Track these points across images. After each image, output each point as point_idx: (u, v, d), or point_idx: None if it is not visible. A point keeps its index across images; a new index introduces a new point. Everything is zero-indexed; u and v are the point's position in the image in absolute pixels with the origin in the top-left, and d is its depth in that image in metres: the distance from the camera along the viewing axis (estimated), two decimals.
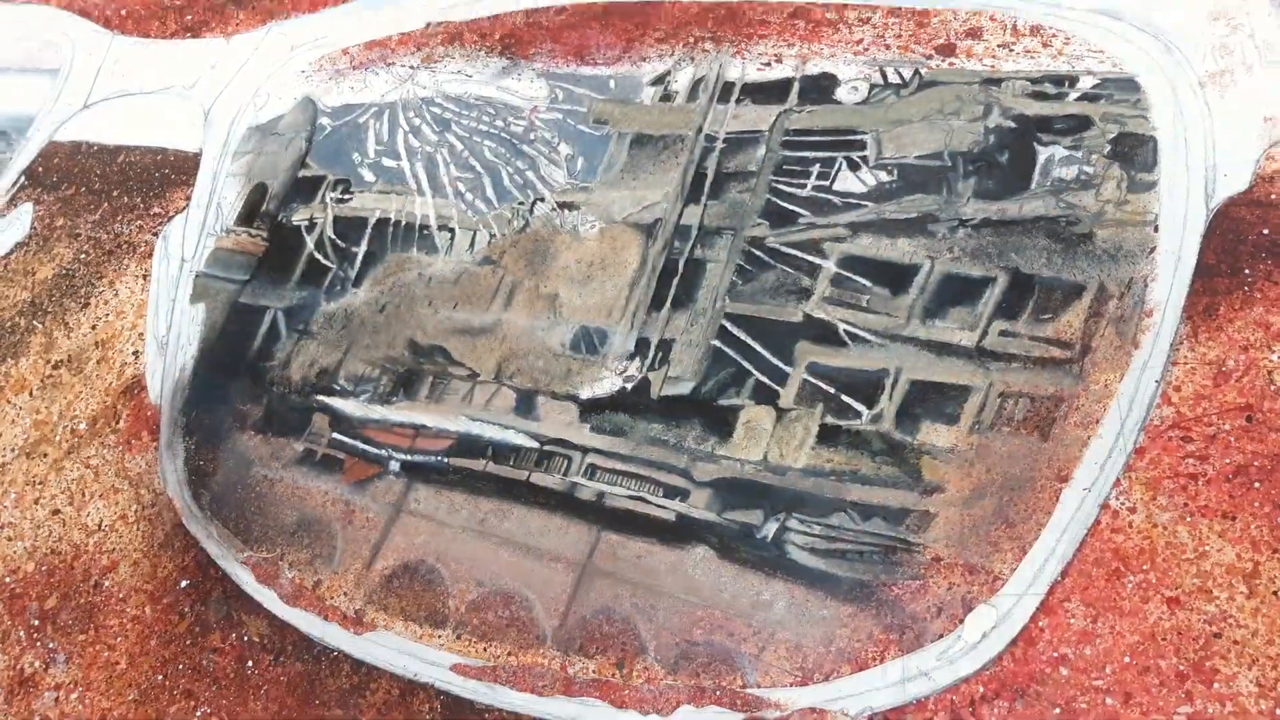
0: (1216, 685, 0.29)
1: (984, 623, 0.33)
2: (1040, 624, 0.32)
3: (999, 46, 0.42)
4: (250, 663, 0.42)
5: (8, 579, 0.47)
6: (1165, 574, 0.32)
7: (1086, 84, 0.40)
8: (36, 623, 0.45)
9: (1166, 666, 0.30)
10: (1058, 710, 0.31)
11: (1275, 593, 0.30)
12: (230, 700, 0.41)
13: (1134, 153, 0.38)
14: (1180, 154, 0.37)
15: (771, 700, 0.33)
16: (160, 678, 0.42)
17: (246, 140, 0.56)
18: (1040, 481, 0.34)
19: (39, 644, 0.45)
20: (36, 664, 0.45)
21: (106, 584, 0.45)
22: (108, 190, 0.58)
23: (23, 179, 0.60)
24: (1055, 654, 0.31)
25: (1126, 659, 0.31)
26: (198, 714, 0.41)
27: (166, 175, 0.57)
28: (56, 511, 0.48)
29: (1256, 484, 0.32)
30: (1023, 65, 0.41)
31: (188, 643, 0.42)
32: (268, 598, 0.42)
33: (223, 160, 0.56)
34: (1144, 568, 0.32)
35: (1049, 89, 0.40)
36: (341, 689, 0.40)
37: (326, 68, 0.56)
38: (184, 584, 0.44)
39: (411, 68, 0.54)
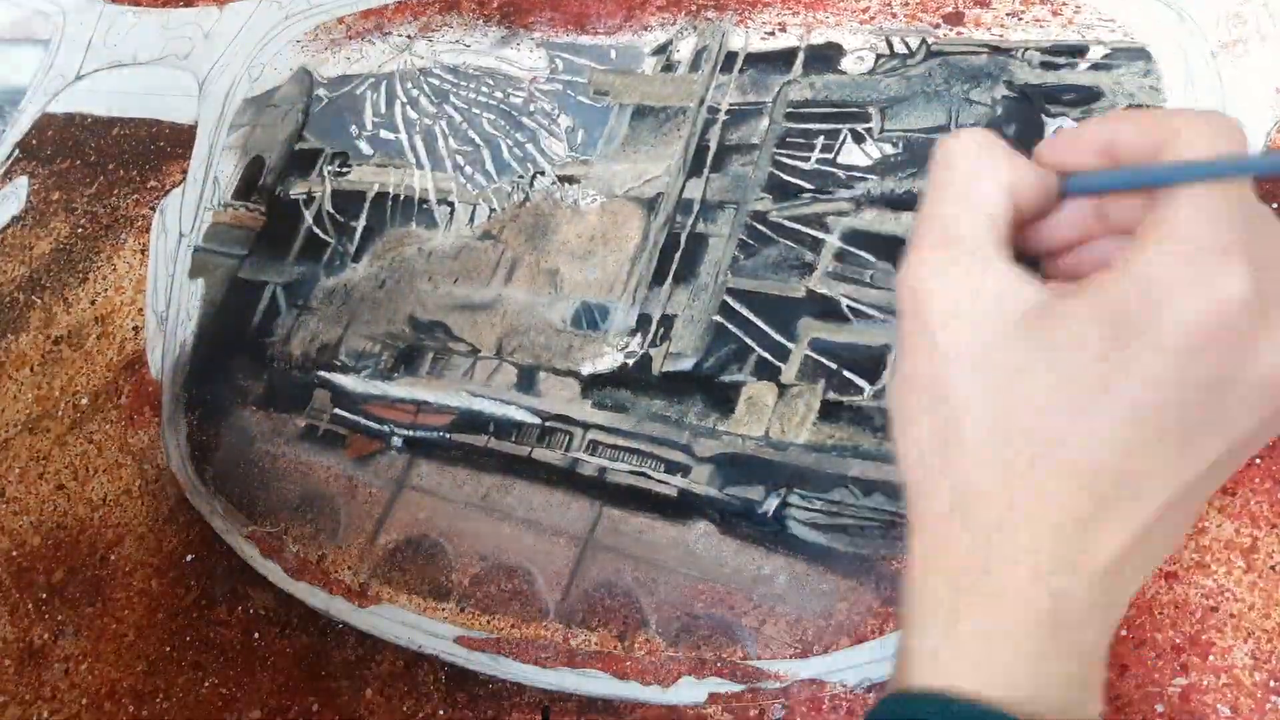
0: (1212, 658, 0.30)
1: None
2: None
3: (1008, 15, 0.41)
4: (256, 635, 0.42)
5: (14, 553, 0.48)
6: None
7: (1097, 54, 0.39)
8: (44, 596, 0.46)
9: (1163, 639, 0.31)
10: None
11: (1273, 567, 0.30)
12: (237, 671, 0.42)
13: None
14: None
15: (771, 672, 0.34)
16: (168, 649, 0.43)
17: (242, 112, 0.55)
18: None
19: (47, 617, 0.46)
20: (45, 636, 0.45)
21: (113, 558, 0.46)
22: (103, 163, 0.57)
23: (17, 152, 0.59)
24: None
25: (1123, 632, 0.31)
26: (205, 685, 0.42)
27: (162, 148, 0.56)
28: (61, 486, 0.48)
29: (1257, 460, 0.32)
30: (1031, 34, 0.41)
31: (194, 615, 0.43)
32: (272, 571, 0.43)
33: (218, 132, 0.56)
34: None
35: (1058, 59, 0.39)
36: (347, 661, 0.41)
37: (322, 37, 0.55)
38: (189, 558, 0.44)
39: (408, 37, 0.53)
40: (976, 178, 0.22)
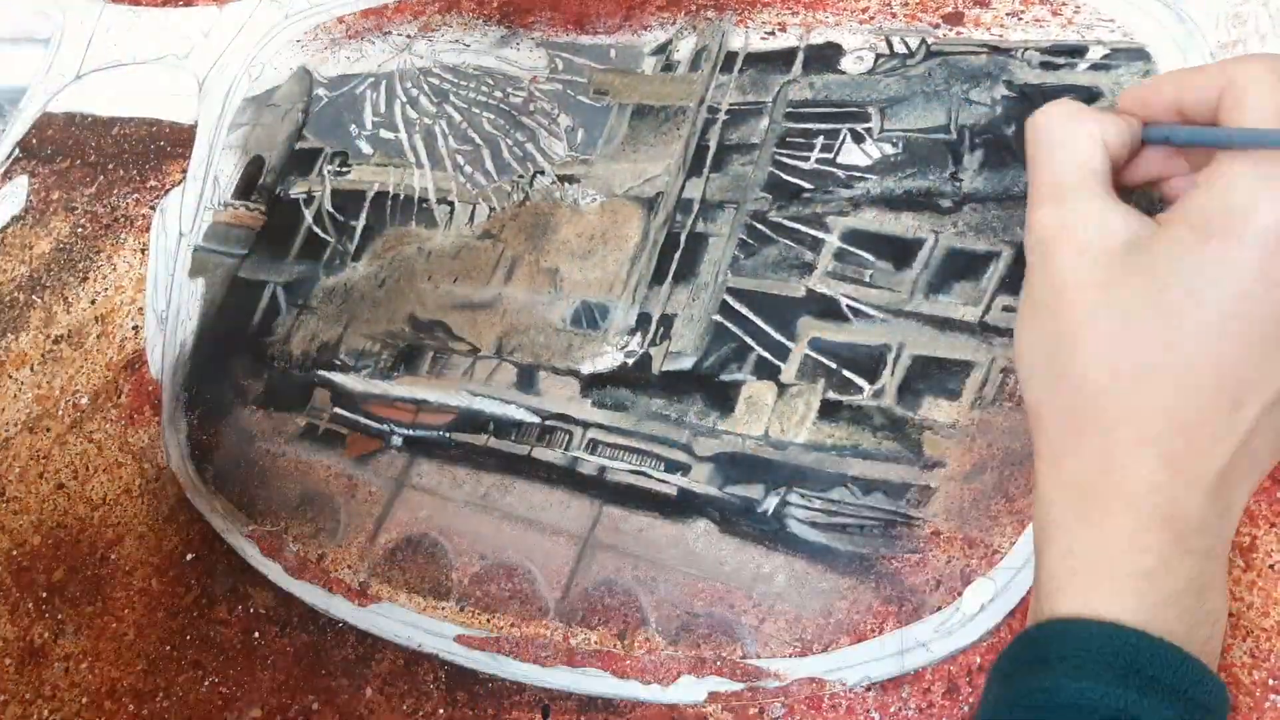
0: None
1: (982, 595, 0.33)
2: None
3: (1007, 15, 0.41)
4: (257, 634, 0.42)
5: (14, 552, 0.48)
6: None
7: (1096, 54, 0.39)
8: (44, 595, 0.46)
9: None
10: None
11: (1271, 566, 0.30)
12: (237, 670, 0.42)
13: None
14: None
15: (771, 670, 0.34)
16: (168, 648, 0.43)
17: (242, 112, 0.55)
18: None
19: (47, 616, 0.46)
20: (45, 635, 0.45)
21: (113, 557, 0.46)
22: (103, 163, 0.57)
23: (17, 151, 0.59)
24: None
25: None
26: (206, 684, 0.42)
27: (162, 147, 0.56)
28: (61, 485, 0.48)
29: None
30: (1031, 35, 0.41)
31: (194, 615, 0.43)
32: (273, 571, 0.43)
33: (218, 132, 0.56)
34: None
35: (1058, 59, 0.40)
36: (347, 659, 0.41)
37: (322, 37, 0.55)
38: (189, 557, 0.44)
39: (408, 37, 0.53)
40: (1074, 136, 0.25)
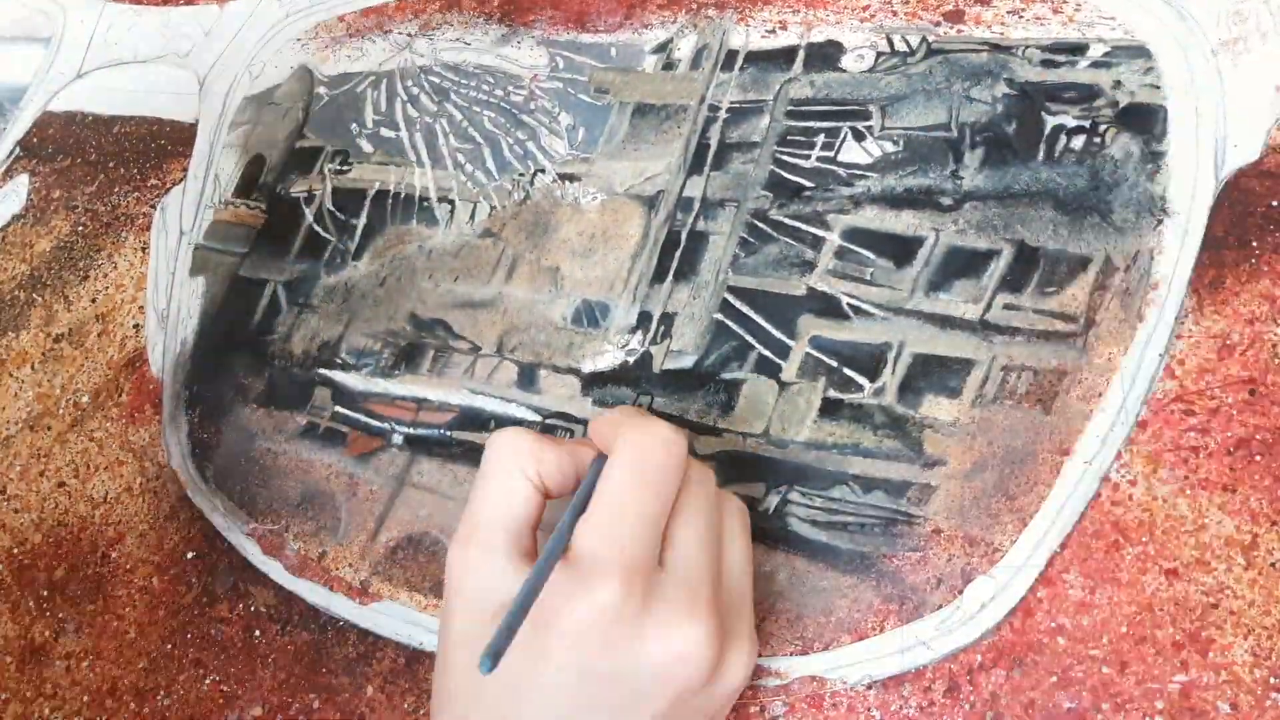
0: (1212, 655, 0.30)
1: (983, 593, 0.33)
2: (1039, 595, 0.32)
3: (1008, 13, 0.41)
4: (258, 632, 0.42)
5: (15, 550, 0.48)
6: (1164, 546, 0.32)
7: (1097, 51, 0.39)
8: (45, 593, 0.46)
9: (1163, 636, 0.31)
10: (1054, 679, 0.31)
11: (1273, 564, 0.30)
12: (238, 669, 0.42)
13: (1144, 122, 0.37)
14: (1190, 124, 0.37)
15: (772, 669, 0.34)
16: (169, 647, 0.43)
17: (243, 110, 0.55)
18: (1041, 455, 0.34)
19: (48, 614, 0.46)
20: (46, 634, 0.45)
21: (114, 555, 0.46)
22: (104, 161, 0.57)
23: (18, 150, 0.59)
24: (1053, 624, 0.32)
25: (1124, 629, 0.31)
26: (206, 682, 0.42)
27: (163, 146, 0.56)
28: (62, 484, 0.49)
29: (1258, 457, 0.32)
30: (1032, 32, 0.41)
31: (195, 613, 0.43)
32: (274, 569, 0.43)
33: (219, 130, 0.56)
34: (1143, 540, 0.32)
35: (1059, 57, 0.39)
36: (348, 658, 0.41)
37: (322, 35, 0.55)
38: (190, 555, 0.44)
39: (409, 35, 0.53)
40: (509, 476, 0.28)
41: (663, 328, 0.41)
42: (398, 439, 0.44)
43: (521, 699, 0.24)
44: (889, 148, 0.40)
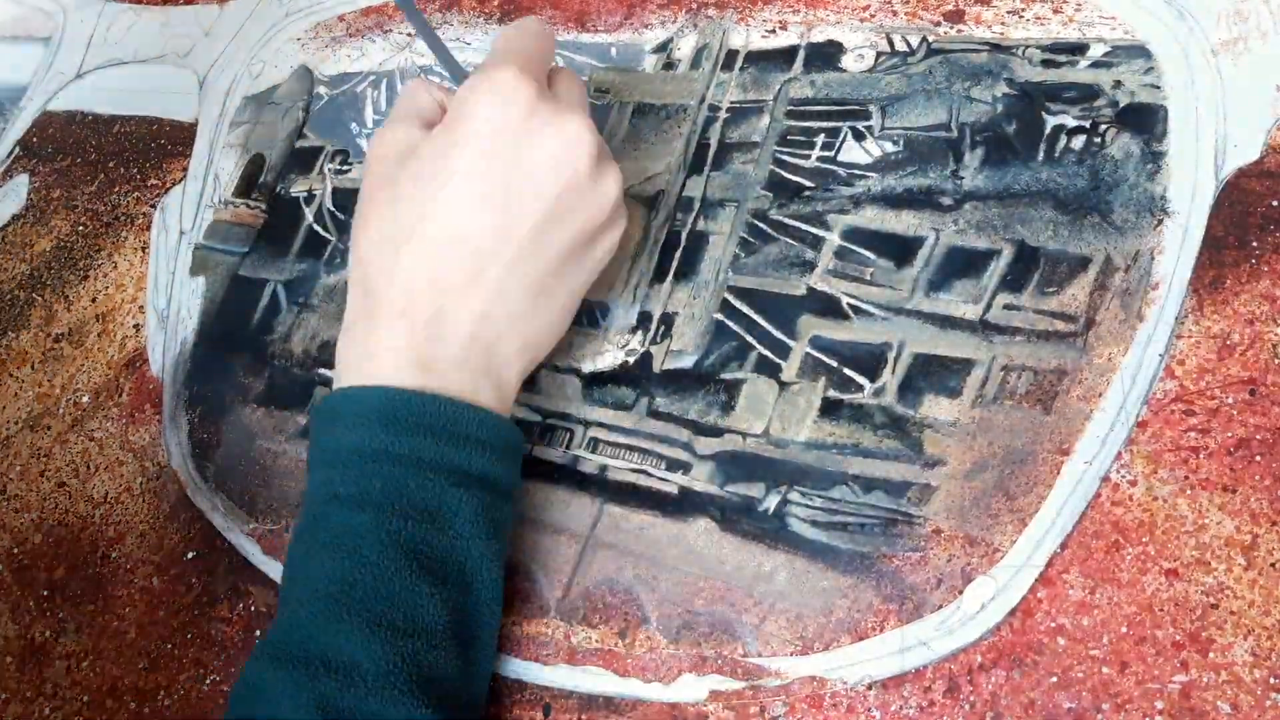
0: (1212, 655, 0.30)
1: (983, 594, 0.33)
2: (1039, 595, 0.32)
3: (1008, 13, 0.41)
4: (258, 632, 0.42)
5: (15, 550, 0.48)
6: (1164, 546, 0.32)
7: (1097, 51, 0.39)
8: (45, 593, 0.46)
9: (1163, 636, 0.31)
10: (1054, 679, 0.31)
11: (1273, 564, 0.30)
12: (239, 669, 0.42)
13: (1144, 122, 0.37)
14: (1191, 124, 0.37)
15: (772, 669, 0.34)
16: (169, 647, 0.43)
17: (243, 110, 0.55)
18: (1042, 455, 0.34)
19: (48, 614, 0.46)
20: (46, 634, 0.45)
21: (114, 555, 0.46)
22: (103, 161, 0.57)
23: (17, 149, 0.59)
24: (1053, 624, 0.32)
25: (1123, 629, 0.31)
26: (207, 682, 0.42)
27: (162, 145, 0.56)
28: (62, 484, 0.49)
29: (1258, 457, 0.32)
30: (1032, 32, 0.41)
31: (195, 613, 0.43)
32: (274, 569, 0.43)
33: (219, 130, 0.56)
34: (1143, 540, 0.32)
35: (1059, 57, 0.39)
36: None
37: (322, 35, 0.55)
38: (190, 555, 0.44)
39: (409, 34, 0.53)
40: (417, 89, 0.34)
41: (663, 328, 0.41)
42: None
43: (437, 185, 0.29)
44: (889, 148, 0.40)
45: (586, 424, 0.40)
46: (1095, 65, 0.39)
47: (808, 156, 0.41)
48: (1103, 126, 0.38)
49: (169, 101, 0.57)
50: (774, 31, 0.44)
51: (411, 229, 0.29)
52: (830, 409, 0.37)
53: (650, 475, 0.38)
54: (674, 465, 0.38)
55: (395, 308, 0.29)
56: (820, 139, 0.42)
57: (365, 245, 0.31)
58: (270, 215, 0.52)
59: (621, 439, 0.39)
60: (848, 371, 0.37)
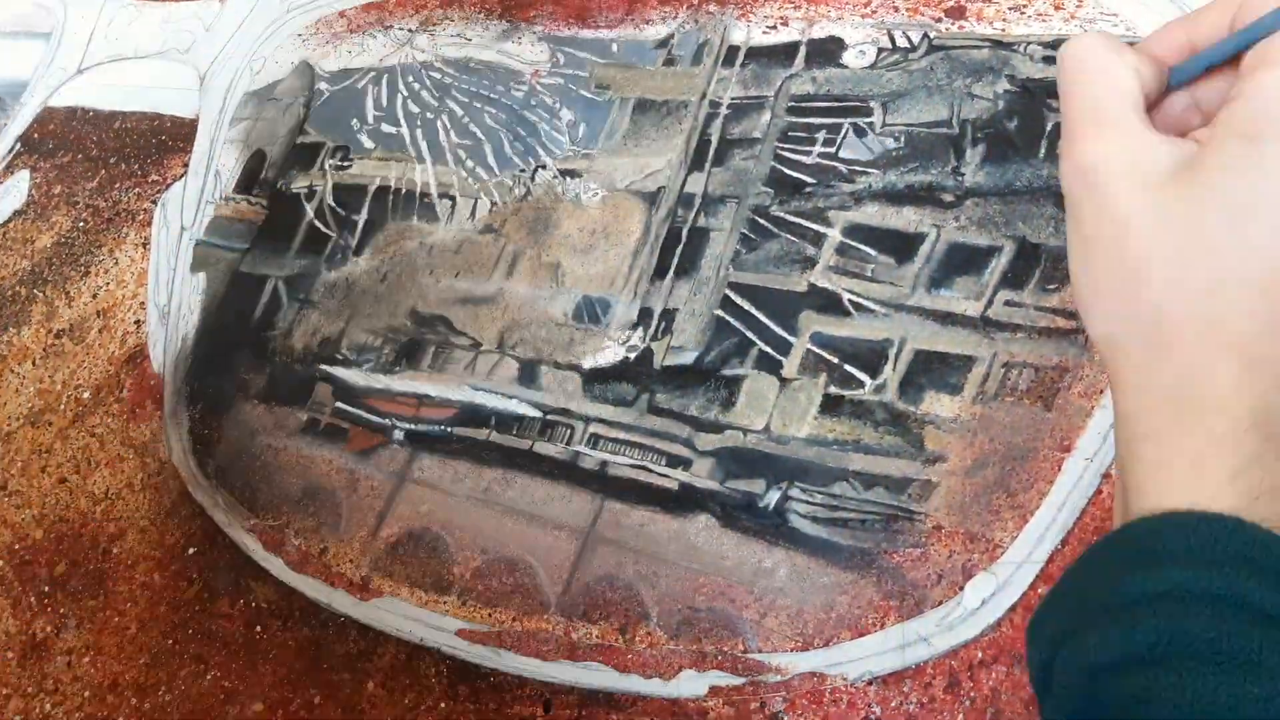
0: None
1: (984, 590, 0.33)
2: (1040, 591, 0.32)
3: (1010, 9, 0.41)
4: (259, 628, 0.42)
5: (17, 546, 0.48)
6: None
7: None
8: (47, 589, 0.46)
9: None
10: None
11: None
12: (240, 664, 0.42)
13: None
14: None
15: (772, 665, 0.34)
16: (170, 642, 0.43)
17: (244, 106, 0.55)
18: (1043, 451, 0.34)
19: (50, 610, 0.46)
20: (48, 629, 0.45)
21: (115, 551, 0.46)
22: (105, 157, 0.57)
23: (19, 145, 0.59)
24: None
25: None
26: (207, 677, 0.42)
27: (164, 141, 0.56)
28: (63, 480, 0.49)
29: None
30: (1034, 29, 0.41)
31: (196, 609, 0.43)
32: (275, 565, 0.43)
33: (220, 126, 0.56)
34: None
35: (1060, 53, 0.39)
36: (349, 653, 0.41)
37: (323, 31, 0.55)
38: (191, 551, 0.44)
39: (410, 31, 0.53)
40: (1113, 65, 0.25)
41: (664, 324, 0.41)
42: (398, 435, 0.44)
43: (1245, 226, 0.21)
44: (890, 144, 0.40)
45: (587, 420, 0.40)
46: None
47: (809, 153, 0.41)
48: None
49: (170, 97, 0.57)
50: (775, 27, 0.44)
51: (1216, 270, 0.22)
52: (831, 405, 0.37)
53: (651, 471, 0.38)
54: (674, 461, 0.38)
55: (1211, 374, 0.22)
56: (821, 135, 0.41)
57: (1158, 289, 0.23)
58: (271, 211, 0.52)
59: (622, 435, 0.39)
60: (849, 368, 0.37)
